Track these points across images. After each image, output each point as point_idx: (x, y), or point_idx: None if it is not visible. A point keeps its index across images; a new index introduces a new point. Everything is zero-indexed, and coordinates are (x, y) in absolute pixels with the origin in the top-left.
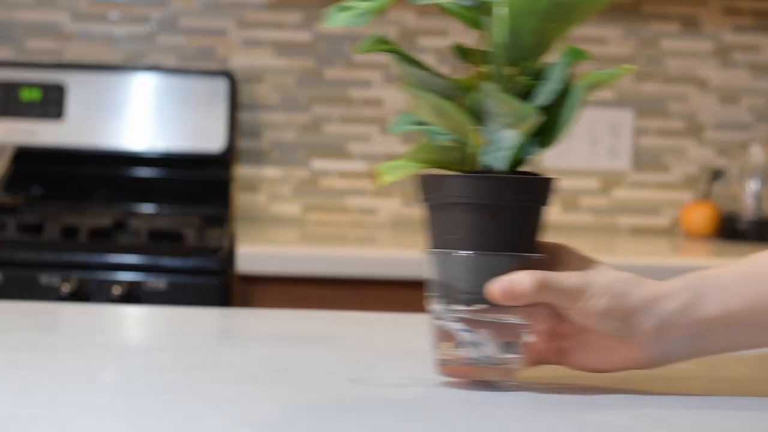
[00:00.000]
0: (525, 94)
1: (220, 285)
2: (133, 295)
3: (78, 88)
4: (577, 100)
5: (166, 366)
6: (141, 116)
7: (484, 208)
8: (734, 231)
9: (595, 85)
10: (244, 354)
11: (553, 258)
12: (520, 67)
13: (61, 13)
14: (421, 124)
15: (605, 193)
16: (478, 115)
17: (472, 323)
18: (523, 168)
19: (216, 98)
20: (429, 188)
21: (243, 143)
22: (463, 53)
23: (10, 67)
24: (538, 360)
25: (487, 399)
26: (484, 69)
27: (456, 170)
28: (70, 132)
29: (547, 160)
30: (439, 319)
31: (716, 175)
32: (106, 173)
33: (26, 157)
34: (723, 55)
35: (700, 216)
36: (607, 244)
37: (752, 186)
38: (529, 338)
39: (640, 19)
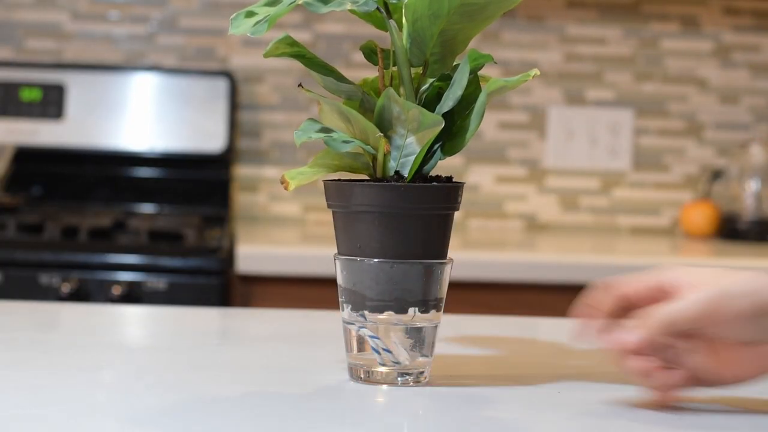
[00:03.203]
0: (437, 99)
1: (219, 285)
2: (133, 295)
3: (78, 88)
4: (479, 107)
5: (166, 366)
6: (141, 116)
7: (391, 216)
8: (734, 231)
9: (497, 92)
10: (244, 354)
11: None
12: (430, 70)
13: (61, 13)
14: (327, 131)
15: (605, 193)
16: (384, 121)
17: (381, 330)
18: (434, 172)
19: (216, 98)
20: (336, 196)
21: (243, 143)
22: (371, 54)
23: (10, 67)
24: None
25: (489, 396)
26: (392, 72)
27: (364, 175)
28: (70, 132)
29: (546, 160)
30: (349, 325)
31: (716, 175)
32: (106, 173)
33: (26, 157)
34: (723, 55)
35: (700, 216)
36: (607, 244)
37: (752, 186)
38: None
39: (640, 19)
